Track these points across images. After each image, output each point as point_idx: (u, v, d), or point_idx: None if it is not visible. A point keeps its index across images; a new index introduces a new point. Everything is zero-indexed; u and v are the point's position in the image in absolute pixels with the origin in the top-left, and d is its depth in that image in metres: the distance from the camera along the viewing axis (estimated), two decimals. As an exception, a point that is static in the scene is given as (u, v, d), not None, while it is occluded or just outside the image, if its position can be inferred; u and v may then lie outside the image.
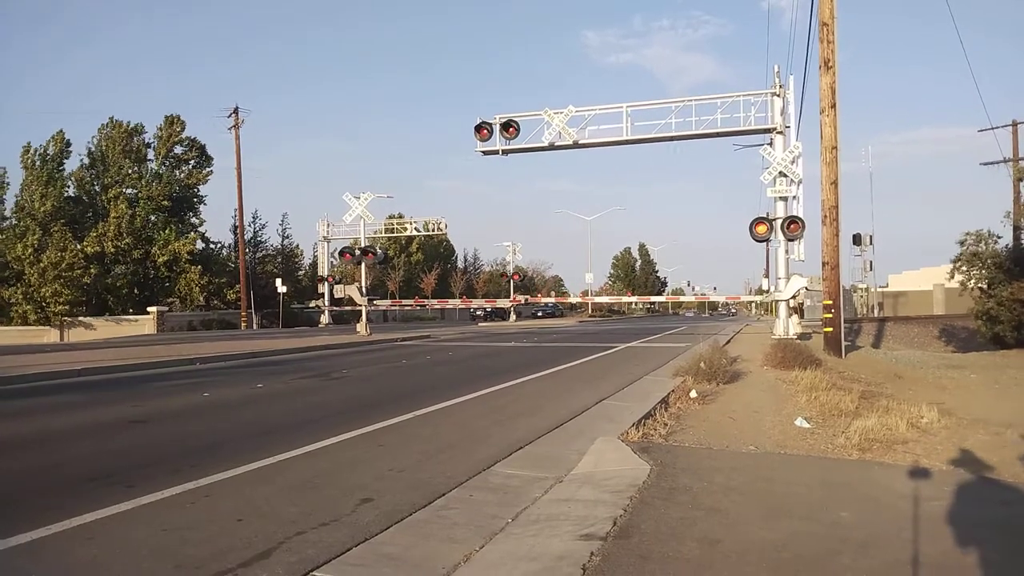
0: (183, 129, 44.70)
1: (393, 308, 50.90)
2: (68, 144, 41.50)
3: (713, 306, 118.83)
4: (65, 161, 41.50)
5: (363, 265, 29.78)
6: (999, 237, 19.01)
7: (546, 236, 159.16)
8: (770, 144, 22.04)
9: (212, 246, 47.32)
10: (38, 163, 40.31)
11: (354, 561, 3.46)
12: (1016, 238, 20.85)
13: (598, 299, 62.12)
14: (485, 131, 24.69)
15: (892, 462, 5.37)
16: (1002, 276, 18.00)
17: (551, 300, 57.74)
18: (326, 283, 42.35)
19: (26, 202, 39.59)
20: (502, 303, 49.26)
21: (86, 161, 42.84)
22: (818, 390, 8.85)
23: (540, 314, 56.66)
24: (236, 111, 40.94)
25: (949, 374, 13.45)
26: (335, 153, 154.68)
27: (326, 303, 42.09)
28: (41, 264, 34.62)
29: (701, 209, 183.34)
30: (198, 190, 46.01)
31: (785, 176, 20.67)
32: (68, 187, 41.70)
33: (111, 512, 4.21)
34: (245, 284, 40.43)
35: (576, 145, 24.74)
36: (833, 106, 15.76)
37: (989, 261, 18.51)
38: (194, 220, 45.98)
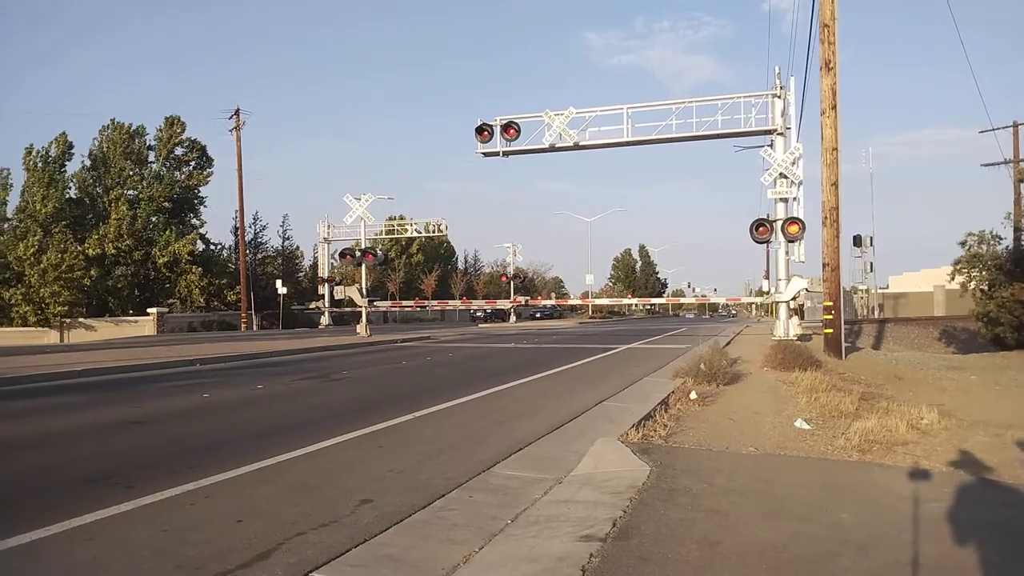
0: (183, 130, 44.79)
1: (393, 309, 50.93)
2: (71, 146, 41.62)
3: (713, 307, 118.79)
4: (67, 163, 41.64)
5: (363, 266, 29.78)
6: (1001, 238, 19.03)
7: (546, 237, 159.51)
8: (771, 145, 22.04)
9: (212, 247, 47.40)
10: (40, 165, 40.38)
11: (353, 562, 3.46)
12: (1017, 239, 20.83)
13: (598, 300, 62.11)
14: (486, 133, 24.72)
15: (892, 463, 5.37)
16: (1002, 277, 18.00)
17: (549, 302, 57.79)
18: (326, 284, 42.37)
19: (28, 203, 39.65)
20: (502, 304, 49.29)
21: (88, 163, 42.94)
22: (818, 391, 8.85)
23: (538, 315, 56.67)
24: (237, 112, 40.99)
25: (949, 375, 13.44)
26: (335, 153, 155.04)
27: (326, 304, 42.10)
28: (41, 265, 34.65)
29: (702, 210, 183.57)
30: (198, 191, 46.10)
31: (786, 177, 20.67)
32: (70, 189, 41.77)
33: (111, 513, 4.21)
34: (245, 285, 40.43)
35: (577, 147, 24.76)
36: (834, 107, 15.76)
37: (989, 262, 18.52)
38: (195, 221, 46.07)
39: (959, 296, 21.96)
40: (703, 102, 23.75)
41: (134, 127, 43.59)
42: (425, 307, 50.89)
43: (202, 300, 41.84)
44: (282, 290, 39.78)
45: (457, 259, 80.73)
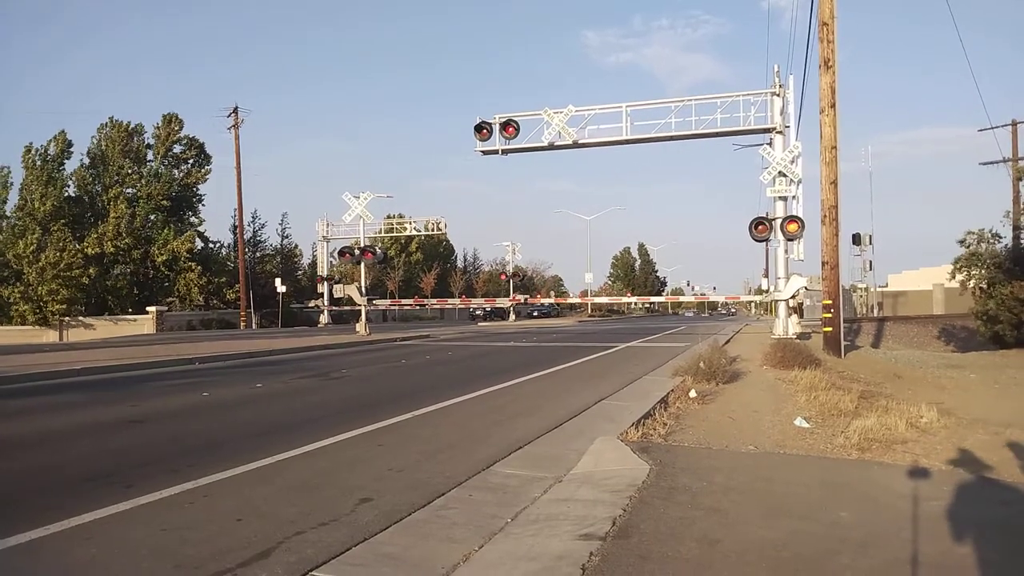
0: (181, 128, 44.73)
1: (392, 308, 50.89)
2: (70, 144, 41.51)
3: (712, 306, 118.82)
4: (66, 161, 41.56)
5: (362, 265, 29.77)
6: (1000, 237, 19.04)
7: (546, 236, 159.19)
8: (770, 144, 22.04)
9: (211, 245, 47.34)
10: (39, 163, 40.32)
11: (353, 561, 3.45)
12: (1016, 238, 20.83)
13: (597, 299, 62.19)
14: (485, 131, 24.69)
15: (891, 462, 5.37)
16: (1001, 276, 18.00)
17: (547, 300, 57.71)
18: (325, 283, 42.33)
19: (26, 201, 39.61)
20: (501, 303, 49.28)
21: (86, 161, 42.88)
22: (817, 390, 8.85)
23: (536, 314, 56.58)
24: (236, 111, 40.95)
25: (948, 374, 13.44)
26: (335, 153, 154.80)
27: (325, 303, 42.07)
28: (40, 264, 34.62)
29: (701, 209, 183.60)
30: (197, 189, 46.04)
31: (785, 176, 20.67)
32: (68, 187, 41.71)
33: (110, 512, 4.20)
34: (244, 284, 40.42)
35: (576, 145, 24.75)
36: (833, 106, 15.76)
37: (989, 261, 18.52)
38: (193, 219, 45.99)
39: (958, 294, 21.98)
40: (702, 100, 23.75)
41: (133, 125, 43.58)
42: (424, 305, 50.84)
43: (201, 299, 41.82)
44: (281, 288, 39.76)
45: (456, 258, 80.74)
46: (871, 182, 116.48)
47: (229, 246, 49.05)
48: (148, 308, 37.10)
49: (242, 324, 39.51)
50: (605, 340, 23.39)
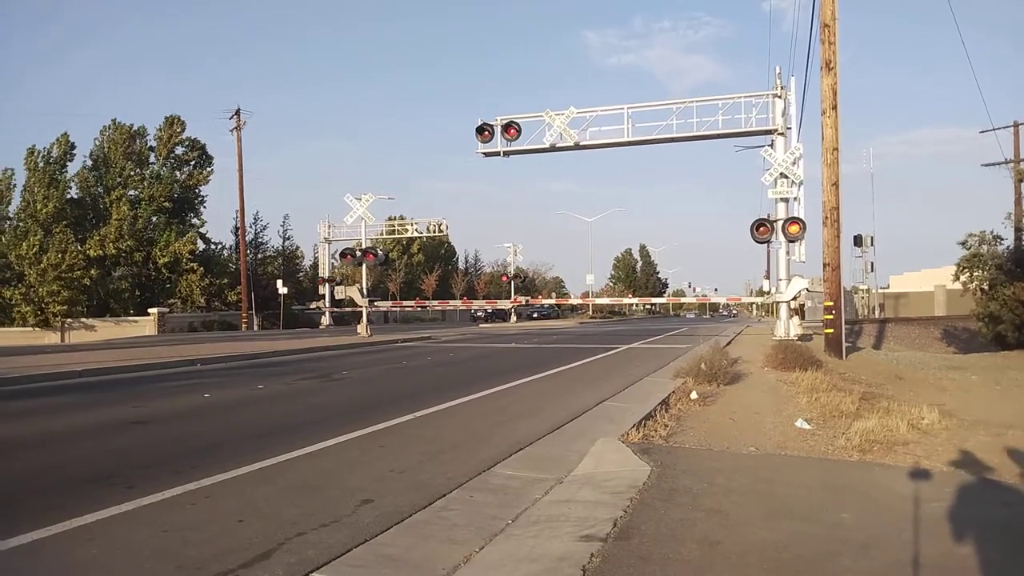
0: (183, 130, 44.76)
1: (394, 309, 50.92)
2: (72, 146, 41.61)
3: (714, 307, 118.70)
4: (68, 163, 41.64)
5: (364, 266, 29.78)
6: (1002, 239, 19.03)
7: (547, 237, 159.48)
8: (771, 145, 22.04)
9: (213, 247, 47.37)
10: (41, 165, 40.40)
11: (354, 562, 3.46)
12: (1017, 239, 20.83)
13: (599, 300, 62.09)
14: (487, 133, 24.72)
15: (893, 463, 5.37)
16: (1003, 277, 17.99)
17: (548, 301, 57.63)
18: (327, 284, 42.36)
19: (28, 203, 39.68)
20: (503, 304, 49.27)
21: (89, 163, 42.93)
22: (819, 391, 8.84)
23: (535, 315, 56.47)
24: (238, 112, 40.98)
25: (950, 375, 13.42)
26: (335, 153, 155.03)
27: (327, 304, 42.09)
28: (41, 265, 34.67)
29: (702, 210, 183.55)
30: (199, 191, 46.06)
31: (786, 177, 20.66)
32: (71, 189, 41.78)
33: (112, 513, 4.21)
34: (246, 285, 40.44)
35: (577, 146, 24.76)
36: (834, 107, 15.75)
37: (990, 262, 18.51)
38: (195, 221, 46.00)
39: (960, 296, 21.96)
40: (703, 102, 23.76)
41: (135, 127, 43.62)
42: (426, 307, 50.85)
43: (203, 300, 41.84)
44: (283, 290, 39.77)
45: (458, 259, 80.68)
46: (872, 183, 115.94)
47: (231, 248, 49.11)
48: (150, 310, 37.11)
49: (243, 326, 39.54)
50: (606, 341, 23.38)
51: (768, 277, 45.54)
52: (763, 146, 22.52)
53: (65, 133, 41.29)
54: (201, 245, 44.78)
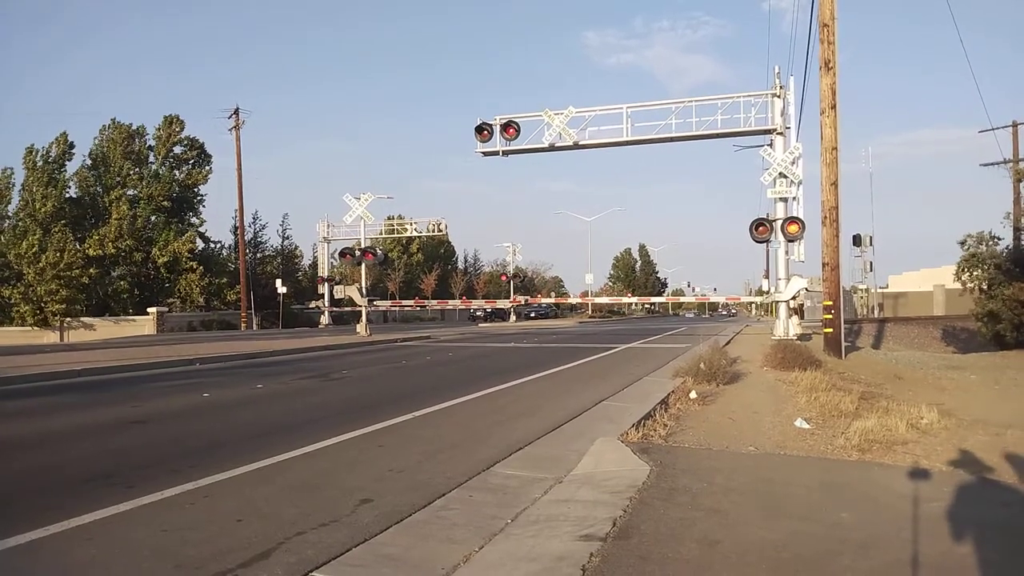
0: (182, 129, 44.75)
1: (393, 309, 50.90)
2: (71, 146, 41.62)
3: (713, 307, 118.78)
4: (67, 162, 41.65)
5: (363, 266, 29.77)
6: (1000, 239, 19.05)
7: (546, 237, 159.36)
8: (770, 145, 22.03)
9: (212, 246, 47.35)
10: (40, 164, 40.38)
11: (353, 562, 3.45)
12: (1016, 239, 20.84)
13: (598, 300, 62.16)
14: (486, 132, 24.68)
15: (892, 463, 5.37)
16: (1002, 277, 18.00)
17: (547, 300, 57.60)
18: (326, 284, 42.36)
19: (27, 202, 39.66)
20: (502, 304, 49.28)
21: (88, 162, 42.92)
22: (818, 391, 8.84)
23: (533, 315, 56.38)
24: (237, 112, 40.94)
25: (949, 375, 13.43)
26: (335, 153, 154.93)
27: (326, 304, 42.09)
28: (40, 264, 34.64)
29: (701, 210, 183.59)
30: (198, 190, 46.02)
31: (785, 177, 20.66)
32: (69, 188, 41.78)
33: (111, 512, 4.21)
34: (245, 285, 40.41)
35: (576, 146, 24.73)
36: (833, 107, 15.75)
37: (989, 262, 18.53)
38: (194, 220, 45.96)
39: (959, 296, 21.98)
40: (703, 102, 23.73)
41: (134, 127, 43.65)
42: (425, 307, 50.86)
43: (202, 300, 41.83)
44: (282, 289, 39.77)
45: (457, 259, 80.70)
46: (871, 183, 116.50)
47: (230, 247, 49.10)
48: (149, 309, 37.09)
49: (243, 325, 39.52)
50: (606, 341, 23.38)
51: (767, 277, 45.58)
52: (762, 146, 22.51)
53: (64, 132, 41.38)
54: (200, 244, 44.79)
